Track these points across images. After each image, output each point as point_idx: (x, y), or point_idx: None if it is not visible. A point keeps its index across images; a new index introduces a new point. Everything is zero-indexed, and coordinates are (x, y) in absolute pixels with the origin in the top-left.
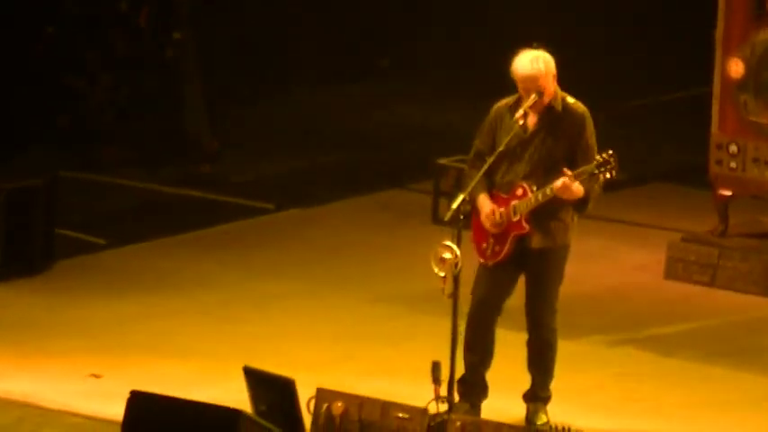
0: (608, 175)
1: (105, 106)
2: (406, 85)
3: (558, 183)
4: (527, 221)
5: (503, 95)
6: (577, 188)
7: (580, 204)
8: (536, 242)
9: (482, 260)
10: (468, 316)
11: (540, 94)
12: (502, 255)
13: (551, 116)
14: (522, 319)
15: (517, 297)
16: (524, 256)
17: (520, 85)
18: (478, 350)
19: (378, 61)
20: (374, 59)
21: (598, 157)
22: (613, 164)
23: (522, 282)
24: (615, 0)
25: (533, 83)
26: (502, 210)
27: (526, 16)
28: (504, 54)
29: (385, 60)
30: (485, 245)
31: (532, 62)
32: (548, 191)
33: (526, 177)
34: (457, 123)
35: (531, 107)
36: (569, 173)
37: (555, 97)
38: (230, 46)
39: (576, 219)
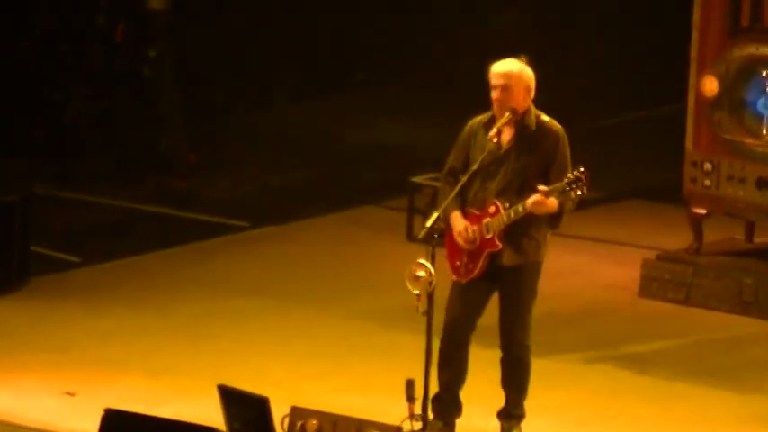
0: (579, 192)
1: (81, 120)
2: (382, 100)
3: (531, 199)
4: (500, 239)
5: (478, 112)
6: (551, 203)
7: (553, 219)
8: (508, 259)
9: (456, 277)
10: (442, 334)
11: (514, 111)
12: (475, 272)
13: (526, 134)
14: (496, 336)
15: (492, 314)
16: (497, 274)
17: (491, 84)
18: (452, 368)
19: (354, 76)
20: (350, 74)
21: (570, 174)
22: (584, 181)
23: (495, 300)
24: (589, 19)
25: (502, 78)
26: (475, 227)
27: (502, 35)
28: (479, 71)
29: (361, 75)
30: (458, 262)
31: (507, 63)
32: (520, 208)
33: (499, 194)
34: (432, 140)
35: (505, 124)
36: (543, 188)
37: (529, 115)
38: (207, 61)
39: (548, 236)
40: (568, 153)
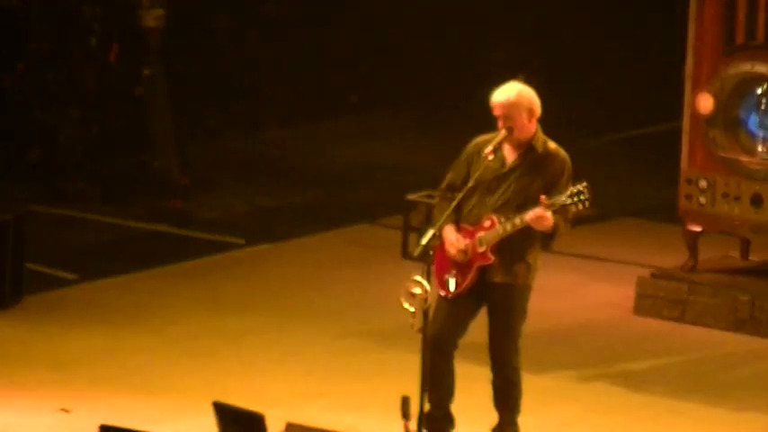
0: (581, 206)
1: (75, 141)
2: (376, 121)
3: (531, 212)
4: (492, 253)
5: (473, 131)
6: (549, 220)
7: (546, 239)
8: (498, 277)
9: (442, 292)
10: (426, 350)
11: (510, 130)
12: (463, 286)
13: (531, 156)
14: (486, 354)
15: (483, 332)
16: (486, 291)
17: (494, 113)
18: (440, 383)
19: (347, 97)
20: (343, 95)
21: (572, 188)
22: (587, 195)
23: (484, 316)
24: (587, 36)
25: (501, 109)
26: (467, 241)
27: (498, 53)
28: (474, 90)
29: (354, 96)
30: (447, 276)
31: (506, 90)
32: (517, 221)
33: (497, 211)
34: (426, 159)
35: (510, 145)
36: (546, 201)
37: (536, 138)
38: (200, 82)
39: (539, 261)
40: (570, 182)
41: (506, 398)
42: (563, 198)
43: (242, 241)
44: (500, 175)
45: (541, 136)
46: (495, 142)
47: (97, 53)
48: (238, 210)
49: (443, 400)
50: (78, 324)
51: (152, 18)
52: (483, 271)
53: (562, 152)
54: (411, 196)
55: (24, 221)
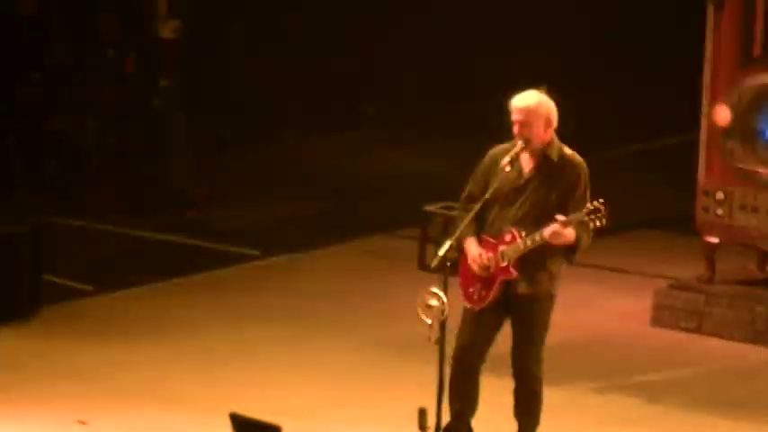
0: (598, 223)
1: (92, 152)
2: (392, 132)
3: (549, 229)
4: (515, 267)
5: (491, 142)
6: (569, 234)
7: (569, 253)
8: (522, 288)
9: (468, 305)
10: (452, 362)
11: (527, 140)
12: (488, 299)
13: (547, 165)
14: (508, 365)
15: (504, 343)
16: (510, 303)
17: (512, 118)
18: (463, 397)
19: (363, 108)
20: (360, 107)
21: (589, 205)
22: (604, 212)
23: (507, 328)
24: (601, 47)
25: (519, 114)
26: (490, 254)
27: (513, 63)
28: (492, 100)
29: (370, 108)
30: (471, 289)
31: (527, 97)
32: (537, 237)
33: (516, 223)
34: (443, 170)
35: (527, 154)
36: (561, 218)
37: (552, 146)
38: (217, 93)
39: (562, 269)
40: (588, 187)
41: (527, 408)
42: (580, 215)
43: (258, 252)
44: (518, 187)
45: (557, 144)
46: (512, 153)
47: (114, 64)
48: (255, 221)
49: (464, 414)
50: (95, 335)
51: (169, 30)
52: (506, 284)
53: (577, 158)
54: (428, 207)
55: (41, 233)
